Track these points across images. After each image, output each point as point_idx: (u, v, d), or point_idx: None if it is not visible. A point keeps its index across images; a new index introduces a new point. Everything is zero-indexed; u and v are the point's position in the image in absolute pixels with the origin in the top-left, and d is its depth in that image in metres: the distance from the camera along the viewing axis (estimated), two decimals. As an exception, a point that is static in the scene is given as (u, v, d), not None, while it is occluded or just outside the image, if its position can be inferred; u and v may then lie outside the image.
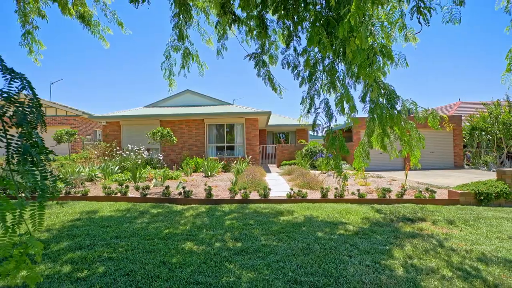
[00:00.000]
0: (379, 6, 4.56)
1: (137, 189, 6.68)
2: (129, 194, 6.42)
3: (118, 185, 7.09)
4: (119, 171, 9.89)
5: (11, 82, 1.17)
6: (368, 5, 3.15)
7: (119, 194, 6.34)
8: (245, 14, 5.32)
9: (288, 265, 2.93)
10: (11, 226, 1.17)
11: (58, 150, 15.59)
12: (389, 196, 6.16)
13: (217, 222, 4.46)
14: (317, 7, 4.40)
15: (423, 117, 5.13)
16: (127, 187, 6.52)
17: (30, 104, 1.21)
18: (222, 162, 12.53)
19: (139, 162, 9.82)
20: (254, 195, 6.38)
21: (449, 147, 14.43)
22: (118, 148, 13.55)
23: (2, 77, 1.16)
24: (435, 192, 6.22)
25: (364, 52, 3.71)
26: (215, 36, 6.11)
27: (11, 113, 1.20)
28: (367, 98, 4.46)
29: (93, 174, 8.65)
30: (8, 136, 1.16)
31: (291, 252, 3.28)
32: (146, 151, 11.01)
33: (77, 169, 8.39)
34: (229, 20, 5.61)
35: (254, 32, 5.37)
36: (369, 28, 4.30)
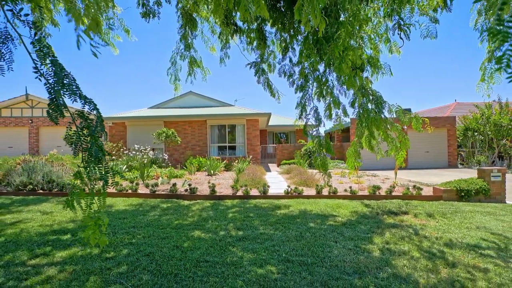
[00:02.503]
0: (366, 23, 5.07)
1: (146, 186, 7.23)
2: (139, 191, 6.96)
3: (129, 183, 7.64)
4: (126, 169, 10.44)
5: (84, 106, 1.71)
6: (356, 29, 3.66)
7: (130, 191, 6.88)
8: (246, 25, 5.82)
9: (282, 249, 3.46)
10: (87, 206, 1.71)
11: (67, 150, 16.17)
12: (379, 193, 6.68)
13: (221, 214, 4.99)
14: (310, 22, 4.92)
15: (408, 120, 5.65)
16: (137, 184, 7.07)
17: (97, 120, 1.74)
18: (224, 162, 13.06)
19: (145, 162, 10.36)
20: (254, 192, 6.91)
21: (444, 147, 14.93)
22: (124, 148, 14.11)
23: (80, 102, 1.69)
24: (421, 189, 6.74)
25: (352, 64, 4.21)
26: (218, 44, 6.65)
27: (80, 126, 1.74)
28: (356, 104, 4.97)
29: (103, 172, 9.20)
30: (84, 144, 1.69)
31: (286, 238, 3.81)
32: (151, 151, 11.56)
33: (88, 168, 8.94)
34: (231, 31, 6.10)
35: (254, 43, 5.87)
36: (357, 40, 4.83)
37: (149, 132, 13.88)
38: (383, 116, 4.94)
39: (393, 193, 6.65)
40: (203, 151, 14.69)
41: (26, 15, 1.62)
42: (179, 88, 6.91)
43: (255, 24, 5.75)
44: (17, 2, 1.59)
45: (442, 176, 10.65)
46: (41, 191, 6.97)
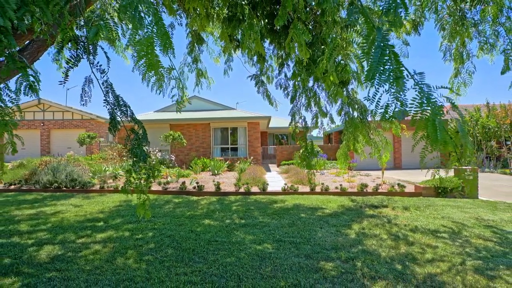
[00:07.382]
0: (352, 39, 5.89)
1: (159, 184, 8.06)
2: (153, 188, 7.79)
3: (142, 181, 8.50)
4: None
5: (135, 124, 2.54)
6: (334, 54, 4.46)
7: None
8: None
9: (276, 233, 4.27)
10: (138, 195, 2.54)
11: (78, 151, 17.09)
12: (366, 190, 7.46)
13: (226, 207, 5.81)
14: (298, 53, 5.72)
15: (389, 126, 6.43)
16: (151, 182, 7.90)
17: (142, 133, 2.57)
18: (227, 162, 13.87)
19: (154, 162, 11.20)
20: (255, 189, 7.72)
21: (436, 148, 15.67)
22: (132, 149, 14.97)
23: (133, 122, 2.52)
24: (405, 187, 7.52)
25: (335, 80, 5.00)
26: (222, 57, 7.48)
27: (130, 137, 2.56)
28: (343, 112, 5.78)
29: (116, 172, 10.05)
30: (134, 150, 2.52)
31: (280, 225, 4.61)
32: (159, 152, 12.40)
33: (104, 168, 9.80)
34: (234, 45, 6.92)
35: (254, 58, 6.67)
36: (344, 57, 5.63)
37: (156, 134, 14.73)
38: (365, 121, 5.72)
39: (379, 190, 7.43)
40: (206, 152, 15.52)
41: (100, 65, 2.45)
42: (186, 96, 7.73)
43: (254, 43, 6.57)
44: (95, 57, 2.42)
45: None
46: (65, 188, 7.82)
